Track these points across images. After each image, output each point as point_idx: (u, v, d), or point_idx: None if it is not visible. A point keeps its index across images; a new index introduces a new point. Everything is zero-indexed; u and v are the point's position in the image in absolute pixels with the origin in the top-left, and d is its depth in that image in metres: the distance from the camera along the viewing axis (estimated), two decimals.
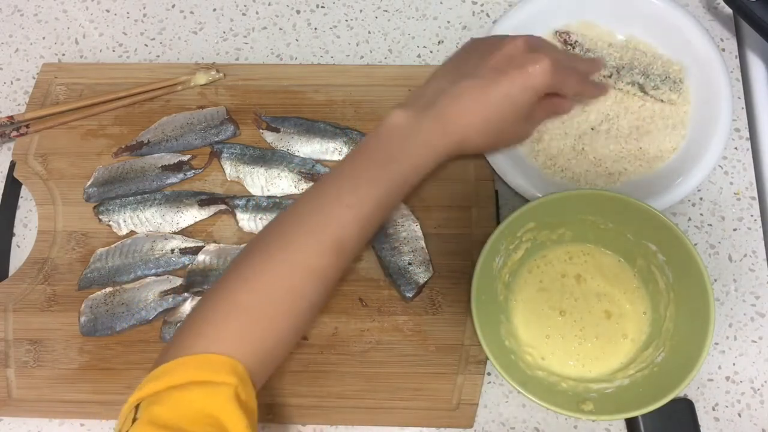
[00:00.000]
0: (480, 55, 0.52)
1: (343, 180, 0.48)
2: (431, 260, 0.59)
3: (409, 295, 0.57)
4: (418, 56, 0.68)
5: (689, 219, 0.61)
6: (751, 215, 0.61)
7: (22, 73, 0.69)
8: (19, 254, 0.62)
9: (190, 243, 0.60)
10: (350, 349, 0.57)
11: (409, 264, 0.58)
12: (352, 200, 0.47)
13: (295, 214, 0.48)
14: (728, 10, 0.66)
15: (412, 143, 0.48)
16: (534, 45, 0.52)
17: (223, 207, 0.61)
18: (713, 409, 0.56)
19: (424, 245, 0.59)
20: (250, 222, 0.60)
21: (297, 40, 0.69)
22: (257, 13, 0.70)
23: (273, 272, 0.45)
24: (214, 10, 0.70)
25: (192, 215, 0.61)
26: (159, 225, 0.61)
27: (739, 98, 0.65)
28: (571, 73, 0.55)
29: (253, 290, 0.45)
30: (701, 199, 0.62)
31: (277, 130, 0.63)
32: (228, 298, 0.45)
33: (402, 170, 0.48)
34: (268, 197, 0.61)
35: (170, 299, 0.59)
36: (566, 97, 0.58)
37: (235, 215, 0.61)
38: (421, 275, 0.58)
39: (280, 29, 0.69)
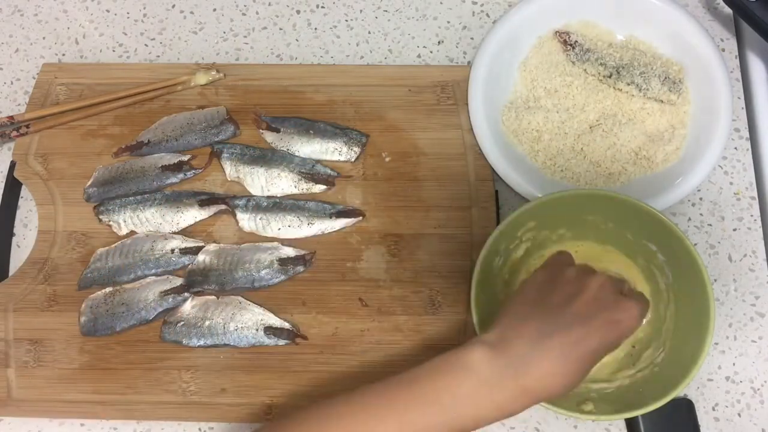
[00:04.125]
0: (566, 294, 0.47)
1: (398, 402, 0.45)
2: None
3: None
4: (418, 56, 0.68)
5: (689, 219, 0.61)
6: (751, 215, 0.61)
7: (23, 73, 0.69)
8: (19, 254, 0.62)
9: (190, 243, 0.60)
10: (350, 349, 0.57)
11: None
12: (394, 427, 0.44)
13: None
14: (728, 10, 0.66)
15: (485, 399, 0.44)
16: (617, 286, 0.48)
17: (223, 207, 0.61)
18: (713, 409, 0.56)
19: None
20: (250, 222, 0.60)
21: (297, 40, 0.69)
22: (257, 13, 0.70)
23: None
24: (214, 10, 0.70)
25: (192, 215, 0.61)
26: (159, 225, 0.61)
27: (739, 98, 0.64)
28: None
29: None
30: (701, 199, 0.62)
31: (277, 130, 0.63)
32: None
33: (463, 420, 0.44)
34: (268, 197, 0.61)
35: (170, 299, 0.59)
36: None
37: (235, 215, 0.61)
38: None
39: (280, 29, 0.69)
